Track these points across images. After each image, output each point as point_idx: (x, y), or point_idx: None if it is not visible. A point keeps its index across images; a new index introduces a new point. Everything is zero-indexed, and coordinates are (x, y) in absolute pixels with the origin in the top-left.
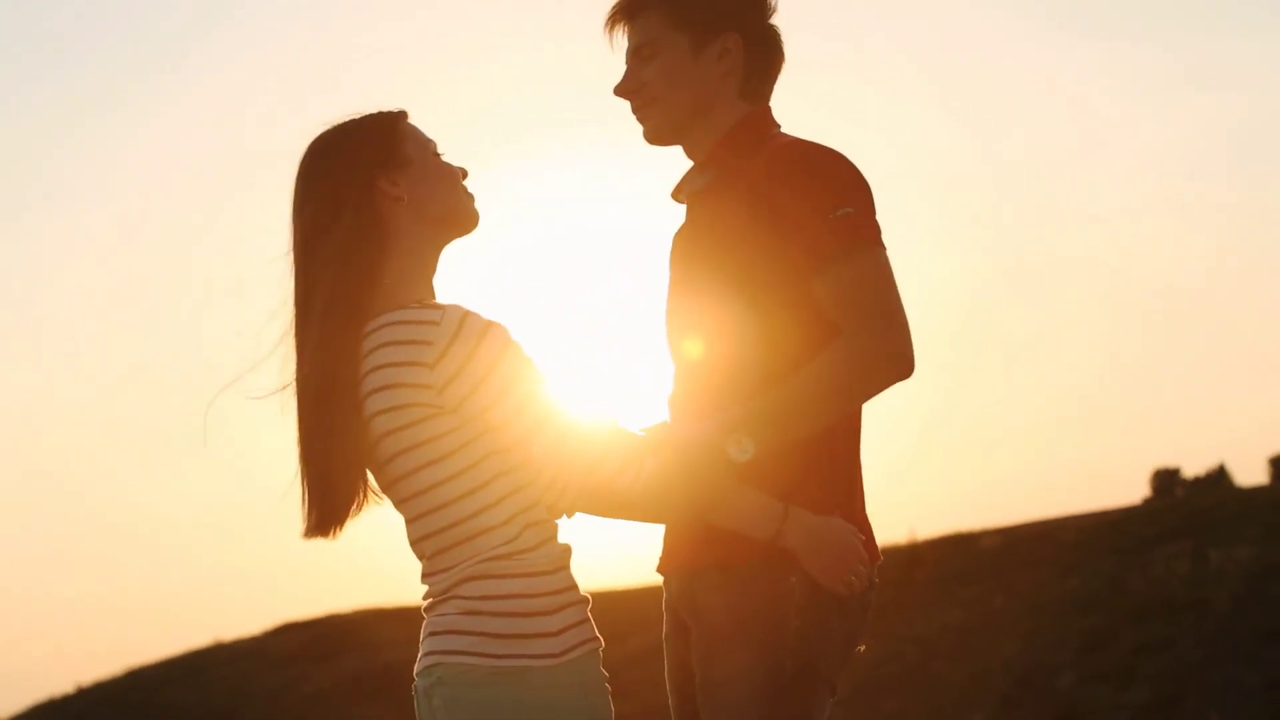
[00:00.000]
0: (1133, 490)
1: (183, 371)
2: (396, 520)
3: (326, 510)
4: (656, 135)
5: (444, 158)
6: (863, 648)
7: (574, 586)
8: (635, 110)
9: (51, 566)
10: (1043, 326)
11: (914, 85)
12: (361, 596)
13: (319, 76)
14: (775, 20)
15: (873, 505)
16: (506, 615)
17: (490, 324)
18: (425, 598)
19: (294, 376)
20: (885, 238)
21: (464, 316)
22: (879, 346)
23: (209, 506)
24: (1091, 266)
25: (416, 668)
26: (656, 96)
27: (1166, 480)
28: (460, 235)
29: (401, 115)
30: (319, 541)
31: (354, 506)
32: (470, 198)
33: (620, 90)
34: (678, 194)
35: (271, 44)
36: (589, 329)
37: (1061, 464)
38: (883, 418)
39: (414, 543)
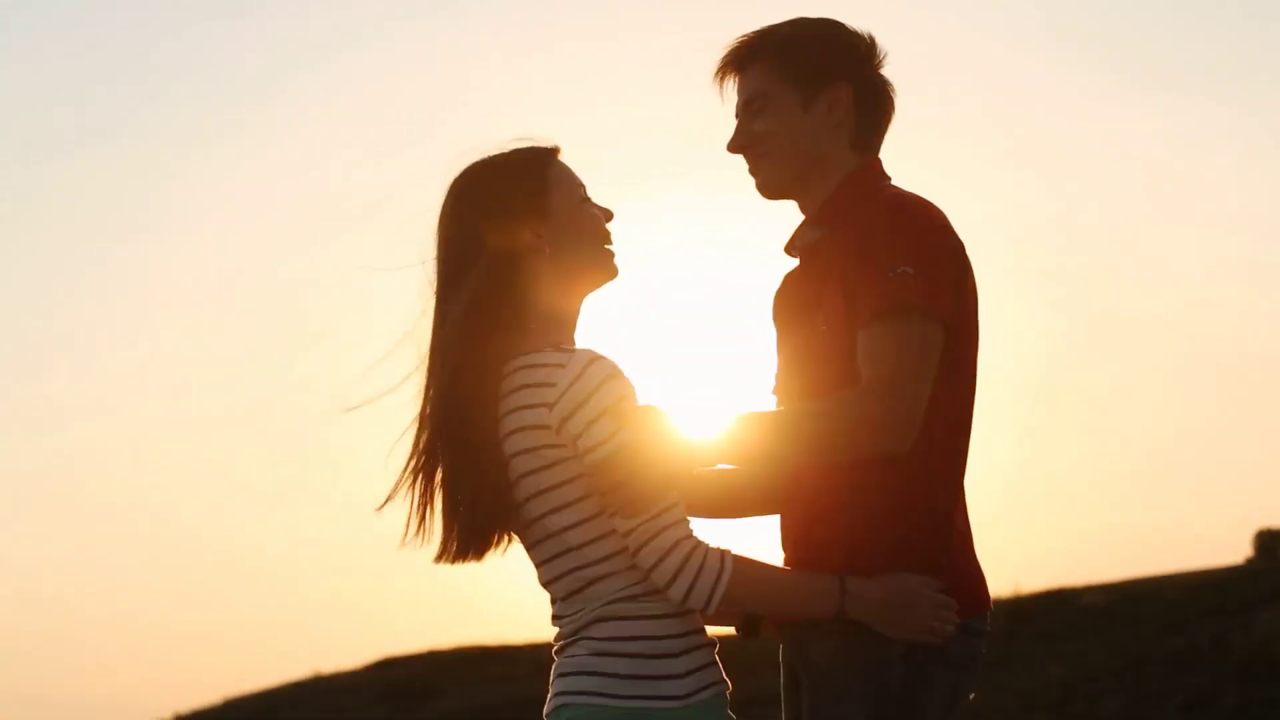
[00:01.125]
0: (1236, 550)
1: (286, 405)
2: (499, 561)
3: (463, 540)
4: (769, 189)
5: (592, 199)
6: (973, 696)
7: (702, 629)
8: (748, 164)
9: (154, 596)
10: (1148, 384)
11: (992, 143)
12: (462, 634)
13: (429, 114)
14: (885, 71)
15: (980, 557)
16: (633, 656)
17: (614, 373)
18: (556, 639)
19: (427, 414)
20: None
21: (590, 361)
22: (868, 412)
23: (311, 539)
24: (1195, 325)
25: (546, 708)
26: (767, 150)
27: (1269, 541)
28: (597, 287)
29: (552, 155)
30: (448, 568)
31: (494, 540)
32: (610, 252)
33: (732, 146)
34: (790, 248)
35: (385, 78)
36: (694, 377)
37: (1165, 522)
38: (988, 471)
39: (545, 584)
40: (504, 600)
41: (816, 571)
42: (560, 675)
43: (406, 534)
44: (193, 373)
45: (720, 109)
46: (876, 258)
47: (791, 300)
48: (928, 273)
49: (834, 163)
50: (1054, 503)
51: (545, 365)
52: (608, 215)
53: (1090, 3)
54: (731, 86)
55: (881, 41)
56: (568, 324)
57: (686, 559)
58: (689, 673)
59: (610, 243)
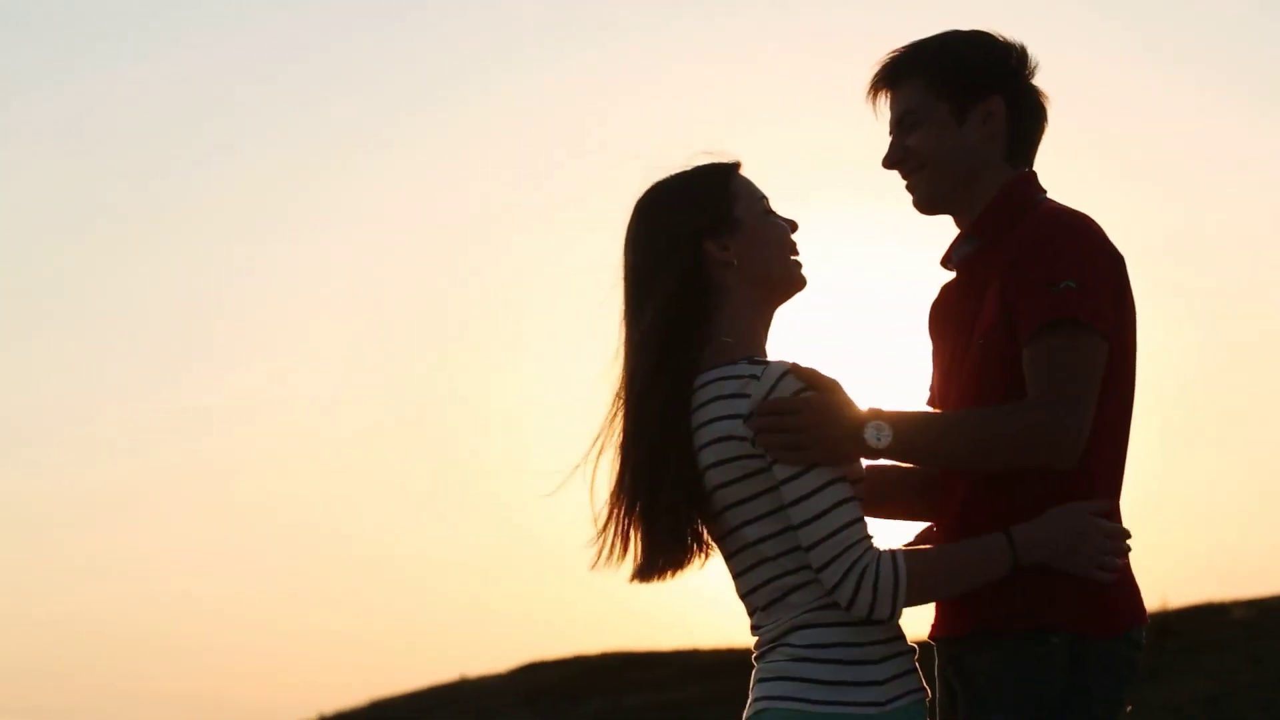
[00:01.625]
0: None
1: (436, 410)
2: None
3: (658, 557)
4: (925, 204)
5: (776, 211)
6: (1129, 708)
7: (901, 637)
8: (904, 180)
9: (302, 598)
10: None
11: (1116, 157)
12: (608, 640)
13: (591, 126)
14: (1037, 81)
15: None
16: (832, 662)
17: (807, 388)
18: (756, 647)
19: (623, 433)
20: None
21: (784, 373)
22: (1038, 423)
23: (459, 543)
24: None
25: (745, 713)
26: (922, 166)
27: None
28: (787, 299)
29: (734, 170)
30: (645, 585)
31: (687, 555)
32: (797, 262)
33: (887, 161)
34: (946, 261)
35: (547, 88)
36: (865, 390)
37: None
38: (1134, 484)
39: (744, 595)
40: (650, 606)
41: (978, 537)
42: (760, 681)
43: (603, 554)
44: (344, 377)
45: (875, 125)
46: (1038, 273)
47: (948, 313)
48: (1090, 287)
49: (989, 175)
50: (1202, 516)
51: (739, 377)
52: (793, 226)
53: (1212, 16)
54: (884, 102)
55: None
56: (759, 335)
57: (861, 577)
58: (888, 679)
59: (796, 253)
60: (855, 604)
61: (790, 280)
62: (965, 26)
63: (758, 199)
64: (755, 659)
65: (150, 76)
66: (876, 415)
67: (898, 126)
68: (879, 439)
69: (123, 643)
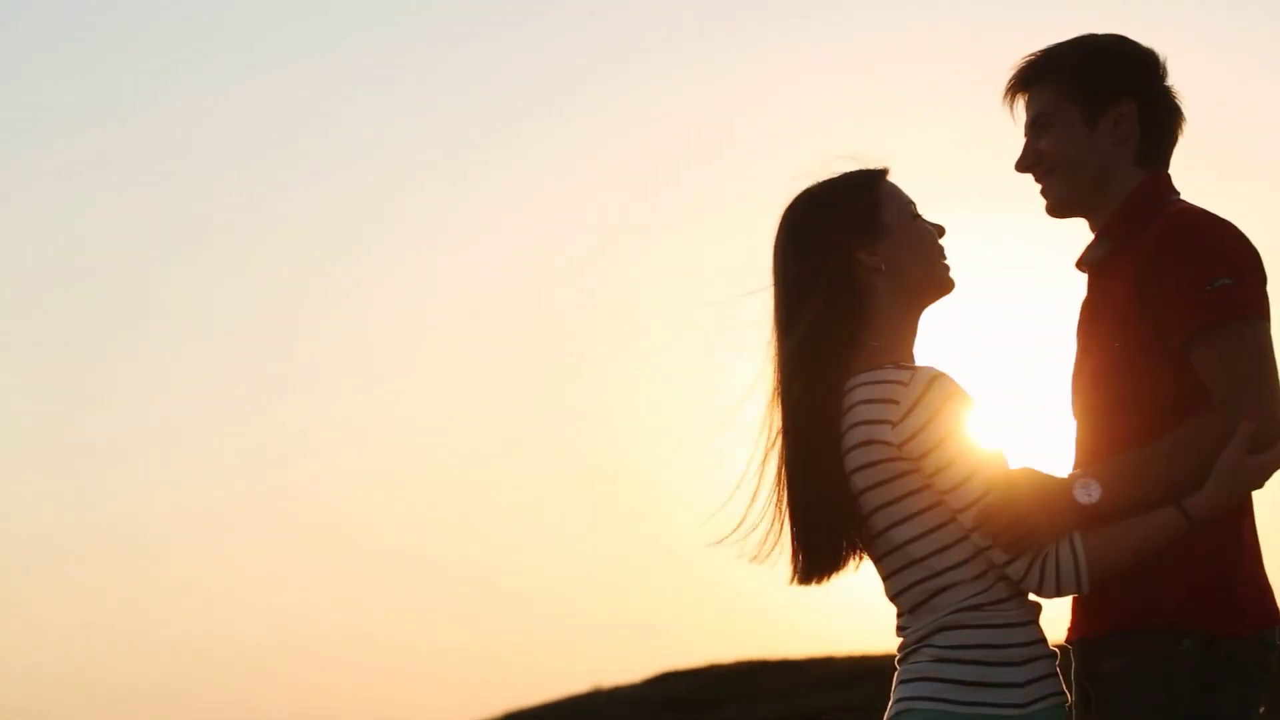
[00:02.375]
0: None
1: (561, 424)
2: (771, 571)
3: (816, 559)
4: (1058, 208)
5: (923, 216)
6: (1263, 710)
7: (1044, 640)
8: (1037, 183)
9: (436, 612)
10: None
11: (1228, 156)
12: (742, 648)
13: (706, 140)
14: (1171, 83)
15: (1275, 571)
16: (974, 663)
17: (957, 391)
18: (900, 649)
19: (777, 433)
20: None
21: (934, 378)
22: (1246, 418)
23: (591, 554)
24: None
25: (887, 714)
26: (1053, 169)
27: None
28: (935, 301)
29: (881, 175)
30: (806, 589)
31: (844, 557)
32: (946, 265)
33: (1019, 165)
34: (1080, 264)
35: (660, 102)
36: (999, 396)
37: None
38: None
39: (892, 597)
40: (784, 614)
41: (1152, 513)
42: (902, 681)
43: (763, 555)
44: (465, 390)
45: (1012, 129)
46: (1188, 274)
47: (1084, 317)
48: (1245, 279)
49: (1120, 178)
50: None
51: (887, 382)
52: (940, 231)
53: None
54: (1020, 106)
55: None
56: (907, 339)
57: (1034, 560)
58: (1029, 682)
59: (944, 257)
60: (1043, 589)
61: (939, 283)
62: (1102, 30)
63: (905, 204)
64: (899, 660)
65: (258, 94)
66: (1084, 474)
67: (1031, 130)
68: (1089, 496)
69: (252, 662)
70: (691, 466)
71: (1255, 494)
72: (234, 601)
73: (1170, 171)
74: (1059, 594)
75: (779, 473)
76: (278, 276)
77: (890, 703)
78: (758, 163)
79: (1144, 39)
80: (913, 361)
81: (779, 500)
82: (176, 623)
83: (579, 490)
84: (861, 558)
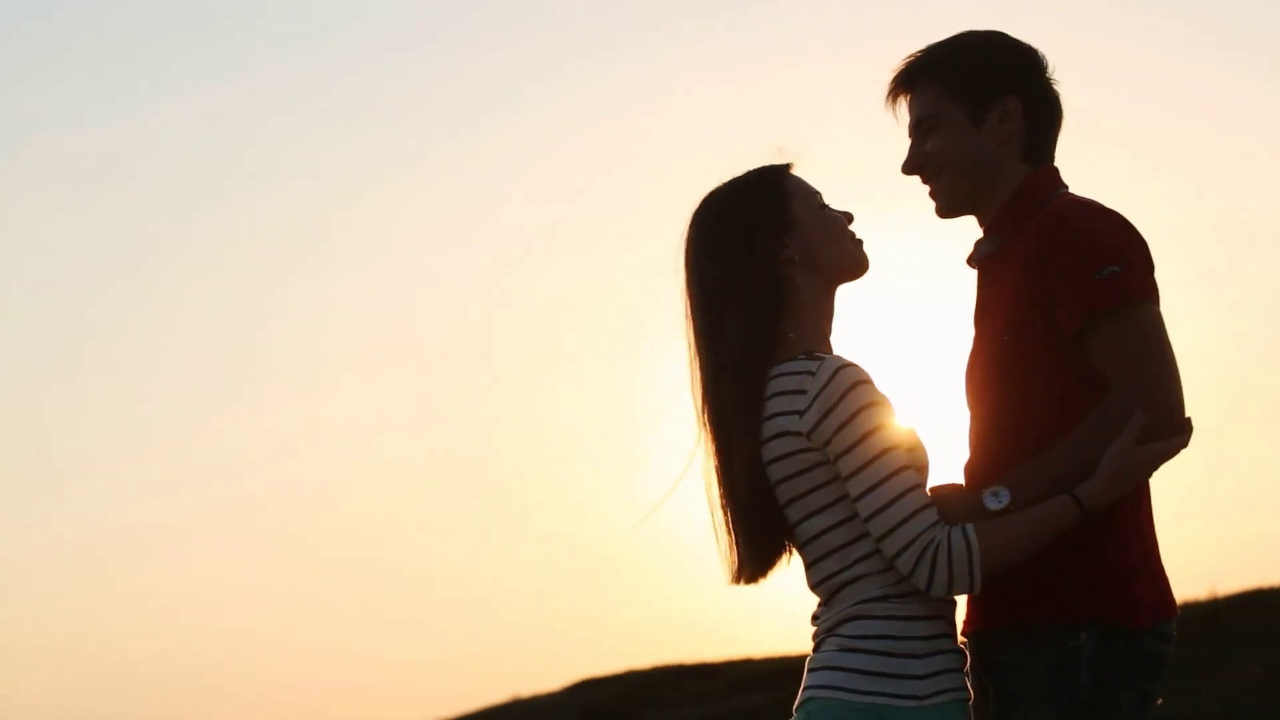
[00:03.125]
0: None
1: (481, 434)
2: (688, 576)
3: (749, 558)
4: (947, 209)
5: (830, 205)
6: (1160, 702)
7: (950, 635)
8: (926, 185)
9: (352, 627)
10: None
11: (1145, 148)
12: (660, 653)
13: (614, 146)
14: (1051, 76)
15: (1173, 561)
16: (875, 654)
17: (863, 379)
18: (813, 638)
19: (706, 439)
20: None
21: (839, 368)
22: (1145, 403)
23: (507, 564)
24: None
25: (796, 702)
26: (941, 170)
27: None
28: (852, 280)
29: (786, 170)
30: (742, 589)
31: (774, 554)
32: (858, 244)
33: (906, 168)
34: (971, 261)
35: (578, 111)
36: (901, 392)
37: None
38: (1178, 475)
39: (812, 587)
40: (701, 618)
41: (1045, 502)
42: (810, 670)
43: (730, 562)
44: (386, 404)
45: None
46: (1075, 264)
47: (977, 312)
48: (1133, 266)
49: (1007, 175)
50: (1248, 504)
51: (797, 373)
52: (848, 217)
53: (1241, 5)
54: (903, 107)
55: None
56: (823, 327)
57: (935, 555)
58: (929, 675)
59: (856, 238)
60: (934, 585)
61: (854, 264)
62: (990, 26)
63: (812, 195)
64: (813, 651)
65: (183, 112)
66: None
67: (915, 132)
68: (998, 502)
69: (168, 678)
70: (608, 474)
71: (1153, 484)
72: (170, 615)
73: (1057, 164)
74: (950, 589)
75: (712, 477)
76: (207, 293)
77: (800, 690)
78: (671, 168)
79: (1026, 32)
80: (828, 348)
81: (719, 504)
82: (116, 638)
83: (496, 499)
84: (793, 553)
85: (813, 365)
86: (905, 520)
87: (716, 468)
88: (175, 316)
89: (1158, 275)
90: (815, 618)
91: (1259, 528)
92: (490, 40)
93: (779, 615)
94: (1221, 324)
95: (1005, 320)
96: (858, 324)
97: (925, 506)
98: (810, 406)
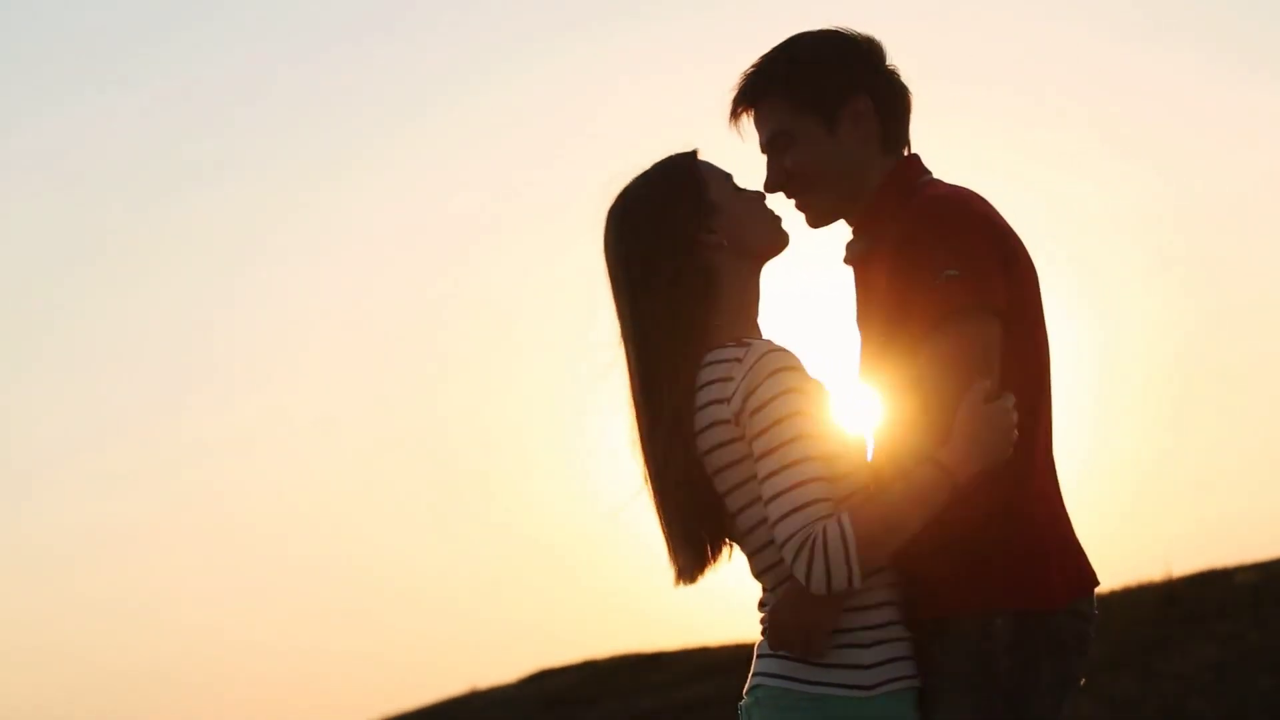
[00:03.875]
0: None
1: (436, 423)
2: (644, 565)
3: (688, 556)
4: (818, 220)
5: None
6: (1083, 681)
7: (897, 622)
8: (793, 201)
9: (306, 619)
10: None
11: (1104, 133)
12: (617, 642)
13: (566, 132)
14: (892, 64)
15: (1129, 542)
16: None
17: (786, 365)
18: (760, 623)
19: (640, 434)
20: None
21: (765, 353)
22: (926, 435)
23: (462, 556)
24: None
25: (745, 689)
26: (808, 185)
27: None
28: (775, 256)
29: (694, 156)
30: (685, 588)
31: (713, 550)
32: (777, 220)
33: (769, 187)
34: (846, 260)
35: (523, 96)
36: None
37: None
38: (1133, 455)
39: (756, 575)
40: (658, 606)
41: (912, 474)
42: (758, 656)
43: (672, 563)
44: (341, 394)
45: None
46: (920, 266)
47: (857, 312)
48: (972, 270)
49: (872, 175)
50: (1204, 483)
51: (725, 361)
52: (762, 195)
53: None
54: (749, 123)
55: (905, 38)
56: (750, 309)
57: (812, 552)
58: (876, 664)
59: (775, 215)
60: (812, 580)
61: (776, 240)
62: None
63: (726, 177)
64: (761, 636)
65: (136, 101)
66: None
67: (770, 148)
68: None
69: (130, 675)
70: (563, 465)
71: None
72: (129, 611)
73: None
74: (829, 584)
75: (647, 471)
76: (162, 286)
77: (749, 677)
78: (623, 155)
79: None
80: (758, 332)
81: (653, 500)
82: (77, 635)
83: (449, 490)
84: (733, 548)
85: (740, 351)
86: (794, 511)
87: (646, 468)
88: (130, 309)
89: (1114, 260)
90: (761, 604)
91: (1215, 508)
92: (441, 28)
93: (735, 603)
94: (1180, 305)
95: (881, 322)
96: (785, 312)
97: (818, 500)
98: (735, 392)
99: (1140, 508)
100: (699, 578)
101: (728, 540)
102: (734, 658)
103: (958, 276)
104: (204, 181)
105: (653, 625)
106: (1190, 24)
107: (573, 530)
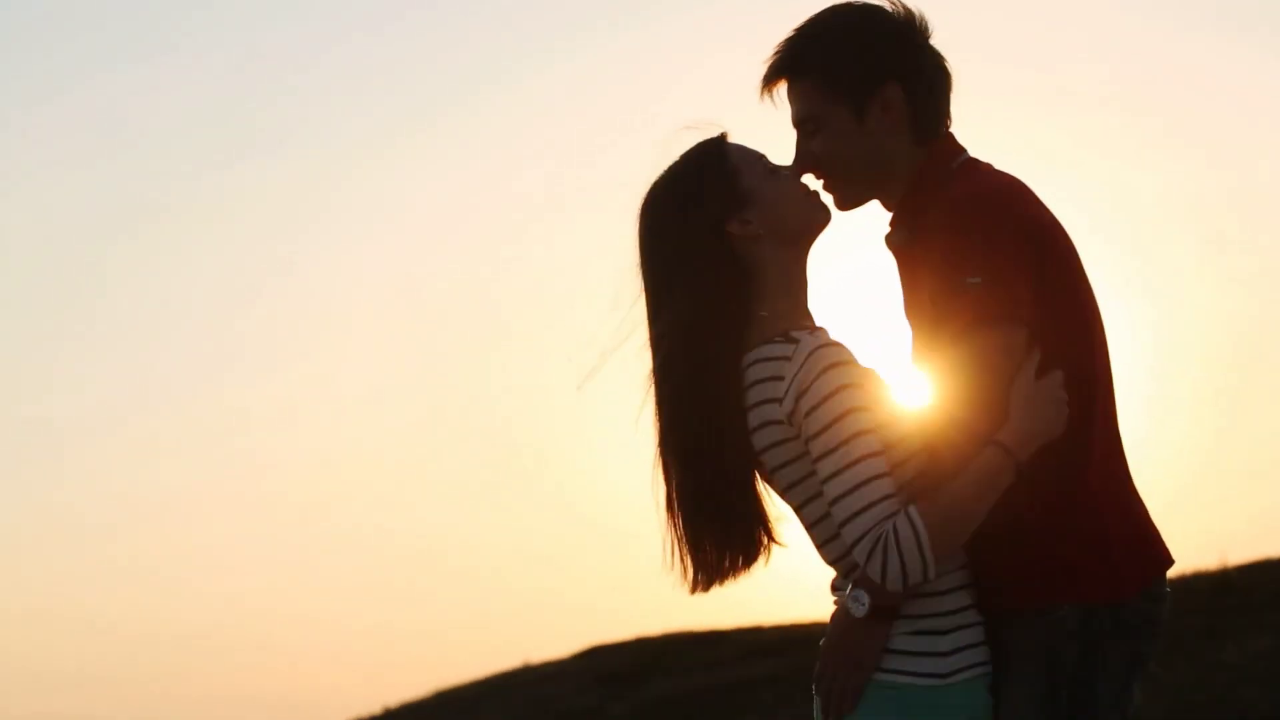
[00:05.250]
0: None
1: (487, 402)
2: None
3: (736, 545)
4: (845, 205)
5: (775, 165)
6: (1152, 666)
7: (971, 607)
8: (820, 183)
9: (360, 594)
10: None
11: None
12: (670, 620)
13: (631, 114)
14: (933, 41)
15: (1184, 530)
16: (899, 632)
17: (838, 360)
18: (834, 605)
19: (664, 430)
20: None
21: (814, 349)
22: (956, 445)
23: (517, 532)
24: None
25: (816, 672)
26: (832, 171)
27: None
28: (819, 236)
29: (724, 141)
30: (703, 594)
31: (761, 544)
32: (815, 196)
33: (796, 168)
34: (888, 244)
35: (568, 82)
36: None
37: None
38: (1189, 445)
39: (830, 563)
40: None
41: (975, 459)
42: None
43: (673, 562)
44: (391, 370)
45: None
46: (949, 270)
47: (904, 298)
48: (997, 278)
49: (902, 163)
50: (1258, 473)
51: (774, 358)
52: (797, 172)
53: None
54: (781, 94)
55: (929, 10)
56: (798, 298)
57: (886, 550)
58: (953, 651)
59: (811, 192)
60: (888, 577)
61: (816, 220)
62: None
63: (758, 161)
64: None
65: (185, 75)
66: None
67: (799, 130)
68: (860, 607)
69: (174, 645)
70: (618, 441)
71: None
72: (176, 581)
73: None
74: (905, 581)
75: (667, 471)
76: (211, 257)
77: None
78: (680, 136)
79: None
80: (808, 318)
81: (671, 501)
82: (121, 605)
83: (503, 466)
84: (769, 549)
85: (789, 348)
86: (862, 510)
87: (680, 460)
88: (177, 281)
89: (1170, 248)
90: (835, 588)
91: (1271, 497)
92: (499, 4)
93: (788, 583)
94: (1236, 291)
95: (925, 316)
96: (833, 294)
97: (885, 497)
98: (787, 392)
99: (1195, 496)
100: (735, 579)
101: (764, 541)
102: (787, 638)
103: (980, 284)
104: (258, 150)
105: (706, 604)
106: (1249, 11)
107: (627, 507)
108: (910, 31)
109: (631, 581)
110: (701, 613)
